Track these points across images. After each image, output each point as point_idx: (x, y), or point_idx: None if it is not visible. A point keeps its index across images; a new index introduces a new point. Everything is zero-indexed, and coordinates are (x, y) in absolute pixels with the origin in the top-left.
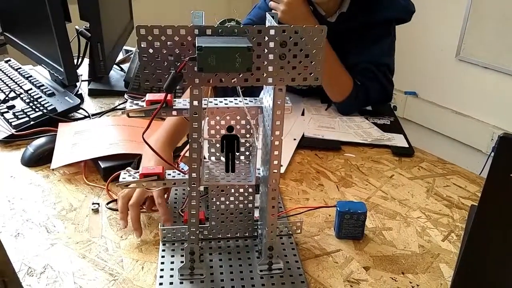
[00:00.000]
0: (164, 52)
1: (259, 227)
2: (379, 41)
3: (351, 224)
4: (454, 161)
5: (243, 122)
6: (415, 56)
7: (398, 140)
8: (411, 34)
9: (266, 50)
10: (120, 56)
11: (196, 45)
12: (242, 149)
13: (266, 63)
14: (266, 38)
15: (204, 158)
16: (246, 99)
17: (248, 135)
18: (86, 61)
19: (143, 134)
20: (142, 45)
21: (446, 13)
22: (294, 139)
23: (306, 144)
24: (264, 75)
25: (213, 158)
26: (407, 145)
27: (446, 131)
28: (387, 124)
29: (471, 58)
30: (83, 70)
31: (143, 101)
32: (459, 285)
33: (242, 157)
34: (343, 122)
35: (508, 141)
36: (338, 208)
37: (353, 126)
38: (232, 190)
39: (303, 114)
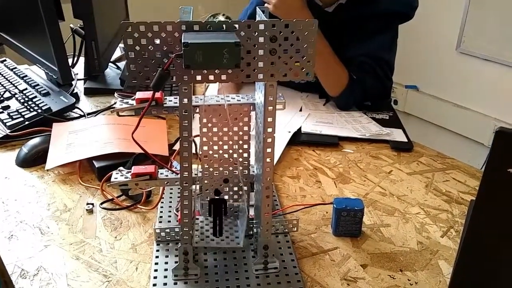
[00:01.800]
0: (151, 49)
1: (254, 225)
2: (379, 35)
3: (348, 221)
4: (456, 155)
5: (236, 180)
6: (415, 50)
7: (397, 135)
8: (411, 27)
9: (256, 46)
10: (118, 53)
11: (182, 41)
12: (232, 212)
13: (256, 58)
14: (256, 33)
15: (197, 218)
16: (239, 96)
17: (237, 197)
18: (82, 59)
19: (132, 133)
20: (128, 42)
21: (446, 5)
22: (289, 132)
23: (303, 139)
24: (255, 71)
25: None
26: (406, 140)
27: (448, 125)
28: (386, 119)
29: (471, 50)
30: (79, 69)
31: (133, 99)
32: (458, 282)
33: (230, 221)
34: (341, 117)
35: (504, 135)
36: (334, 205)
37: (351, 121)
38: (227, 189)
39: (301, 110)
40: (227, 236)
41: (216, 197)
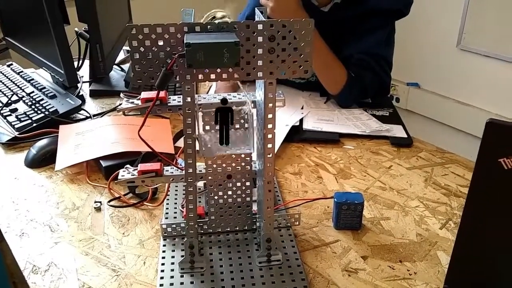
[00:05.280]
0: (155, 50)
1: (257, 220)
2: (375, 32)
3: (348, 215)
4: (458, 151)
5: (237, 96)
6: (416, 47)
7: (396, 131)
8: (411, 24)
9: (255, 45)
10: (122, 56)
11: (185, 41)
12: (237, 117)
13: (255, 57)
14: (255, 33)
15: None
16: (240, 94)
17: (243, 105)
18: (87, 62)
19: (138, 131)
20: (133, 44)
21: (446, 2)
22: (286, 125)
23: (305, 136)
24: (254, 70)
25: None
26: (405, 136)
27: (449, 121)
28: (386, 116)
29: (472, 47)
30: (85, 72)
31: (139, 99)
32: (455, 271)
33: (237, 126)
34: (342, 114)
35: (494, 126)
36: (335, 199)
37: (351, 118)
38: (230, 185)
39: (302, 108)
40: (235, 145)
41: (223, 106)
